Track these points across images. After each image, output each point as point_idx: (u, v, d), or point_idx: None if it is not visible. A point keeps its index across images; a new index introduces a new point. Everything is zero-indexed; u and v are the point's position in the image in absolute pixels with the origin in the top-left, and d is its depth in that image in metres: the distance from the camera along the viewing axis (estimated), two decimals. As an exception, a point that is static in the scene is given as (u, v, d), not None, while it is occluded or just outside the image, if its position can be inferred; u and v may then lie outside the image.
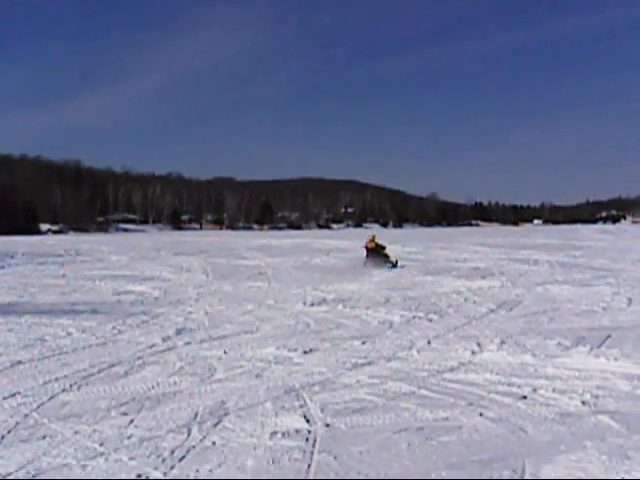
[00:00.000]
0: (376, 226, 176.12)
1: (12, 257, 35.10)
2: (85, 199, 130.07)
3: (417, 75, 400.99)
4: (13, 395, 7.45)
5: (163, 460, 5.46)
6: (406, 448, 5.73)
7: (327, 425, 6.30)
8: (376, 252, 27.19)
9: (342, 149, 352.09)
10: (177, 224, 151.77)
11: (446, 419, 6.48)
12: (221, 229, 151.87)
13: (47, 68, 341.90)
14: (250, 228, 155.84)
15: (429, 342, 10.42)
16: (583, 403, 6.93)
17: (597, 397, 7.15)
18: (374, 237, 28.20)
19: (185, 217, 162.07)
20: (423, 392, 7.46)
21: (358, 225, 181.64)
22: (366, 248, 27.70)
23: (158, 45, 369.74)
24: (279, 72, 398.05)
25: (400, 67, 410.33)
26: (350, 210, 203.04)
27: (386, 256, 26.91)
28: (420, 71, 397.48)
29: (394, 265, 26.07)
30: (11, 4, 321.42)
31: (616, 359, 8.95)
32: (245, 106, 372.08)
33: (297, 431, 6.13)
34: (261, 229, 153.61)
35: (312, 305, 14.88)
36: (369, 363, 8.98)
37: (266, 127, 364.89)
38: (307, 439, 5.92)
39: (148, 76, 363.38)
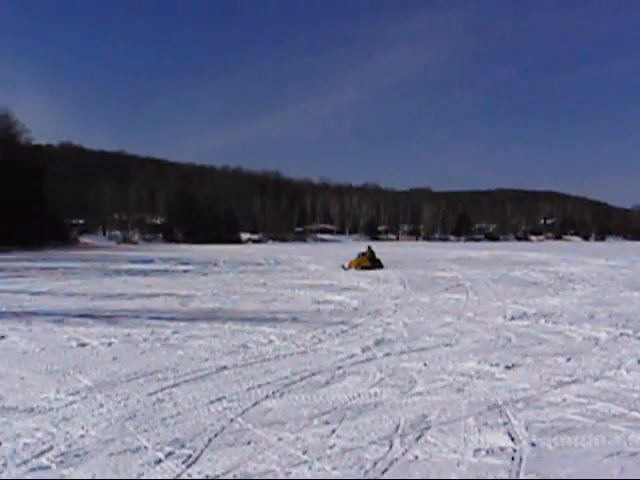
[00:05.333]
0: (577, 238, 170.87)
1: (215, 265, 36.69)
2: (284, 209, 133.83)
3: (621, 84, 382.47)
4: (219, 399, 7.71)
5: (366, 472, 5.44)
6: (618, 474, 5.44)
7: (533, 444, 6.08)
8: (374, 261, 34.38)
9: (539, 160, 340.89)
10: (373, 235, 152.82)
11: (662, 445, 6.10)
12: (416, 240, 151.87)
13: (249, 84, 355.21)
14: (447, 239, 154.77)
15: (639, 362, 9.89)
16: None
17: None
18: (370, 251, 35.45)
19: (381, 228, 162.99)
20: (635, 414, 7.07)
21: (558, 237, 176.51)
22: (364, 256, 34.68)
23: (358, 58, 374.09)
24: (473, 83, 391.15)
25: (602, 77, 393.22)
26: (549, 222, 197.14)
27: (378, 261, 34.56)
28: (624, 79, 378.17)
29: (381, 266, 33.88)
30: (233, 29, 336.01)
31: None
32: (441, 117, 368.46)
33: (502, 449, 5.96)
34: (457, 240, 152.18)
35: (512, 319, 14.50)
36: (575, 381, 8.62)
37: (460, 137, 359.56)
38: (512, 458, 5.74)
39: (346, 90, 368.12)
